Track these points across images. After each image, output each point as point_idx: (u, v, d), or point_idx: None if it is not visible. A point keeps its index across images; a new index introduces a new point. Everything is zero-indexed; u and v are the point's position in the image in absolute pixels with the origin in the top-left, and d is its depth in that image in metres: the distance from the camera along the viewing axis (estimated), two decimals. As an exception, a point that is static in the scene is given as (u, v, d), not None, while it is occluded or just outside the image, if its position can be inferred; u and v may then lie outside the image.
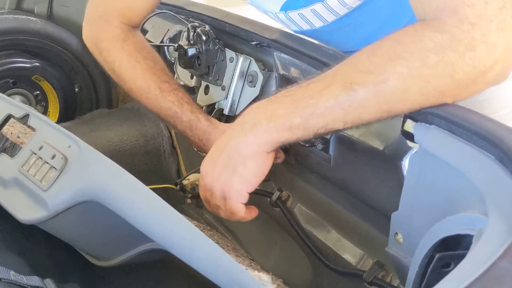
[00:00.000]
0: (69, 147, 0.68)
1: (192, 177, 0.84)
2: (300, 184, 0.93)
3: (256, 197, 1.01)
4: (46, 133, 0.72)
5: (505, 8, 0.57)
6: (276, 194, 0.95)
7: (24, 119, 0.77)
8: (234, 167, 0.68)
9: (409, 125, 0.61)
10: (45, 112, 1.51)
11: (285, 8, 0.86)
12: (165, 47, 1.16)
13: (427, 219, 0.58)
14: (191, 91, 1.06)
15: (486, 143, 0.51)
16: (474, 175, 0.50)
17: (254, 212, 0.76)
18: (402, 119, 0.62)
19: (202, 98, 1.01)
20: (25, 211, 0.67)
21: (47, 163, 0.68)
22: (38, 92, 1.48)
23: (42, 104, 1.50)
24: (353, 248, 0.84)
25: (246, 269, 0.68)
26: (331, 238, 0.88)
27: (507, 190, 0.46)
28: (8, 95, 1.47)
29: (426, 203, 0.59)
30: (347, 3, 0.84)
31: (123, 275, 0.82)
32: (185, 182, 0.86)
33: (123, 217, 0.59)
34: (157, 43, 1.17)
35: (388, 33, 0.61)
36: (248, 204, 1.08)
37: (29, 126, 0.75)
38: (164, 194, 0.92)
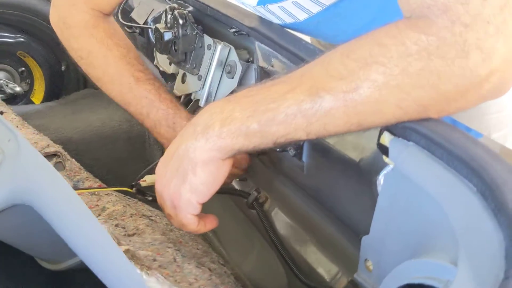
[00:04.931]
0: (8, 141, 0.61)
1: (149, 178, 0.76)
2: (279, 186, 0.85)
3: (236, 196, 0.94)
4: (-13, 123, 0.65)
5: (508, 7, 0.48)
6: (253, 195, 0.88)
7: (-32, 105, 0.70)
8: (184, 175, 0.59)
9: (386, 139, 0.52)
10: (30, 90, 1.45)
11: (262, 1, 0.77)
12: (149, 29, 1.08)
13: (399, 249, 0.50)
14: (170, 78, 0.98)
15: (468, 170, 0.43)
16: (451, 209, 0.42)
17: (210, 224, 0.68)
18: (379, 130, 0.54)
19: (179, 87, 0.93)
20: (-44, 211, 0.60)
21: (-17, 158, 0.61)
22: (23, 69, 1.42)
23: (27, 82, 1.44)
24: (328, 263, 0.76)
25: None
26: (307, 249, 0.81)
27: (483, 236, 0.38)
28: (-9, 71, 1.41)
29: (398, 230, 0.51)
30: None
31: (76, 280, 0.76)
32: (142, 183, 0.78)
33: (50, 224, 0.52)
34: (141, 23, 1.09)
35: (383, 25, 0.52)
36: (225, 202, 1.03)
37: (-27, 114, 0.69)
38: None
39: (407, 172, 0.48)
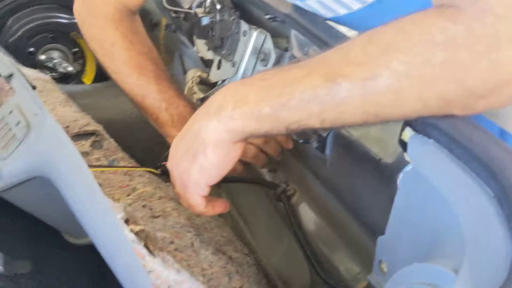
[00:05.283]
0: (35, 115, 0.63)
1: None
2: (307, 180, 0.83)
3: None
4: (20, 96, 0.67)
5: None
6: (281, 187, 0.86)
7: (8, 78, 0.73)
8: (194, 154, 0.58)
9: (407, 135, 0.49)
10: (82, 70, 1.50)
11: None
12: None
13: (411, 252, 0.48)
14: (209, 64, 0.98)
15: (487, 173, 0.39)
16: (463, 213, 0.39)
17: (219, 208, 0.66)
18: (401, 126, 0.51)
19: (214, 74, 0.93)
20: (-16, 179, 0.63)
21: (11, 130, 0.63)
22: (76, 49, 1.47)
23: (79, 62, 1.48)
24: (350, 262, 0.74)
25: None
26: (330, 246, 0.78)
27: (491, 245, 0.34)
28: (46, 50, 1.47)
29: (412, 233, 0.48)
30: None
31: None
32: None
33: (64, 198, 0.53)
34: (186, 8, 1.09)
35: None
36: (256, 193, 1.01)
37: (11, 88, 0.71)
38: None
39: (424, 171, 0.45)
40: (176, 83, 0.92)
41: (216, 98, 0.57)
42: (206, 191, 0.61)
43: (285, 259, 0.93)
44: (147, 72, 0.89)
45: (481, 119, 0.61)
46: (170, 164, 0.63)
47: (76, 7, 0.96)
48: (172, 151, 0.62)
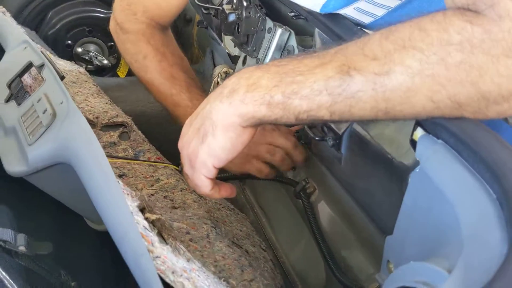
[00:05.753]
0: (61, 103, 0.66)
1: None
2: (325, 178, 0.83)
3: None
4: (49, 86, 0.70)
5: None
6: (301, 184, 0.87)
7: (40, 68, 0.76)
8: (204, 135, 0.58)
9: (417, 135, 0.49)
10: (117, 64, 1.54)
11: (324, 9, 0.75)
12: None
13: (416, 253, 0.47)
14: (235, 60, 0.99)
15: (491, 175, 0.39)
16: (463, 213, 0.39)
17: (225, 192, 0.65)
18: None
19: (239, 70, 0.94)
20: (12, 163, 0.66)
21: (39, 117, 0.66)
22: (112, 43, 1.50)
23: (114, 56, 1.52)
24: (365, 262, 0.73)
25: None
26: (346, 245, 0.78)
27: (488, 247, 0.34)
28: (83, 43, 1.51)
29: (417, 233, 0.48)
30: None
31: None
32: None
33: (84, 185, 0.56)
34: (216, 4, 1.11)
35: None
36: (276, 190, 1.02)
37: (42, 77, 0.74)
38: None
39: (430, 170, 0.45)
40: (205, 90, 0.95)
41: (230, 81, 0.58)
42: (213, 173, 0.61)
43: (303, 256, 0.94)
44: (179, 82, 0.94)
45: (502, 125, 0.60)
46: (180, 143, 0.63)
47: (111, 24, 1.02)
48: (184, 130, 0.63)
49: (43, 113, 0.66)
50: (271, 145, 0.86)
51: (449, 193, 0.41)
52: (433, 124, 0.47)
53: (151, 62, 0.95)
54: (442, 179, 0.43)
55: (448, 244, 0.40)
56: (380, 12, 0.74)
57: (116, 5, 1.00)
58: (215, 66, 1.30)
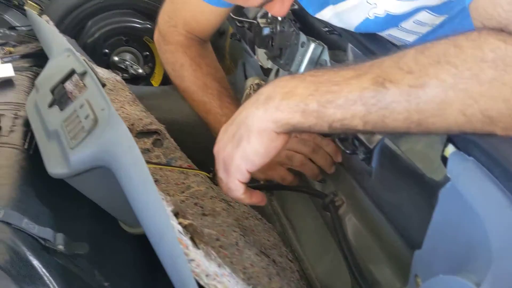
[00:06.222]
0: (102, 110, 0.69)
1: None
2: (354, 191, 0.84)
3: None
4: (91, 92, 0.73)
5: None
6: (330, 197, 0.88)
7: (82, 75, 0.79)
8: (239, 140, 0.61)
9: (449, 151, 0.50)
10: (151, 73, 1.58)
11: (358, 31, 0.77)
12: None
13: (445, 269, 0.48)
14: (267, 73, 1.02)
15: (522, 194, 0.40)
16: (494, 231, 0.40)
17: (256, 198, 0.68)
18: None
19: (272, 81, 0.96)
20: (54, 165, 0.69)
21: (81, 122, 0.69)
22: (147, 53, 1.55)
23: (149, 65, 1.56)
24: (392, 278, 0.74)
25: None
26: (374, 260, 0.79)
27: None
28: (120, 52, 1.56)
29: (447, 249, 0.49)
30: (425, 22, 0.72)
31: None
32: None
33: (122, 188, 0.58)
34: (251, 18, 1.14)
35: None
36: (305, 202, 1.03)
37: (84, 84, 0.78)
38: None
39: (462, 187, 0.46)
40: (237, 99, 0.99)
41: (266, 88, 0.60)
42: (246, 177, 0.63)
43: (329, 269, 0.94)
44: (211, 90, 0.97)
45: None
46: (216, 148, 0.65)
47: (155, 35, 1.08)
48: (220, 136, 0.65)
49: (85, 118, 0.69)
50: (290, 151, 0.88)
51: (479, 210, 0.42)
52: (464, 141, 0.48)
53: (187, 71, 1.00)
54: (473, 196, 0.44)
55: (477, 259, 0.40)
56: (411, 38, 0.76)
57: (160, 18, 1.05)
58: (246, 78, 1.33)
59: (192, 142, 1.25)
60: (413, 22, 0.74)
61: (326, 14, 0.79)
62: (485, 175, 0.44)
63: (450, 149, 0.50)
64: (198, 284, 0.46)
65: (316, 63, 0.84)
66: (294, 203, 1.07)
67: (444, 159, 0.51)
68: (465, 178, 0.46)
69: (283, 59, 0.91)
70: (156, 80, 1.58)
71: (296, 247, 1.02)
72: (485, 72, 0.46)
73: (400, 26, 0.75)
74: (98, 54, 1.51)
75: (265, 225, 0.98)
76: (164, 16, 1.04)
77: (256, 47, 1.04)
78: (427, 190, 0.57)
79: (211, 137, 1.31)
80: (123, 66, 1.55)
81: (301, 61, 0.86)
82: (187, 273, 0.44)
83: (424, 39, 0.75)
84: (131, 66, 1.52)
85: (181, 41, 1.01)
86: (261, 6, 0.66)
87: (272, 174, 0.92)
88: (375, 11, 0.73)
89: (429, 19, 0.74)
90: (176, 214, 0.63)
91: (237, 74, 1.50)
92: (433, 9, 0.72)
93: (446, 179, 0.53)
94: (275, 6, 0.67)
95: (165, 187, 0.94)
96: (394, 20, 0.73)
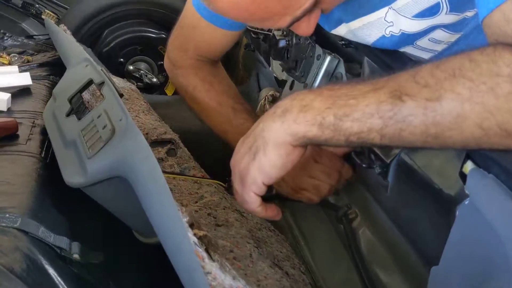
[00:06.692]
0: (120, 120, 0.69)
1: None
2: (368, 205, 0.84)
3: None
4: (109, 102, 0.74)
5: None
6: (343, 210, 0.88)
7: (100, 85, 0.80)
8: (255, 152, 0.61)
9: (467, 168, 0.50)
10: (165, 82, 1.59)
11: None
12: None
13: (463, 286, 0.48)
14: (282, 84, 1.02)
15: (543, 213, 0.39)
16: (514, 249, 0.39)
17: (271, 212, 0.68)
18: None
19: (286, 94, 0.96)
20: (71, 174, 0.70)
21: (98, 132, 0.70)
22: (161, 62, 1.56)
23: (163, 75, 1.57)
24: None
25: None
26: (388, 274, 0.78)
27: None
28: (135, 61, 1.58)
29: (464, 266, 0.48)
30: (441, 40, 0.72)
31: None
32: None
33: (138, 198, 0.58)
34: (266, 30, 1.14)
35: None
36: (318, 215, 1.02)
37: (101, 94, 0.78)
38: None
39: (480, 205, 0.45)
40: (253, 113, 0.98)
41: (284, 102, 0.60)
42: (262, 189, 0.63)
43: (342, 283, 0.94)
44: (226, 109, 0.96)
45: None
46: (233, 160, 0.65)
47: (165, 61, 1.07)
48: (237, 148, 0.65)
49: (103, 128, 0.69)
50: (315, 180, 0.87)
51: (499, 228, 0.42)
52: (483, 158, 0.48)
53: (200, 93, 1.00)
54: (492, 213, 0.44)
55: (496, 278, 0.40)
56: (426, 56, 0.76)
57: (169, 43, 1.05)
58: (260, 88, 1.34)
59: (206, 151, 1.25)
60: (429, 40, 0.75)
61: (342, 31, 0.80)
62: (505, 193, 0.44)
63: (469, 165, 0.50)
64: (215, 297, 0.46)
65: (331, 76, 0.85)
66: (307, 214, 1.07)
67: (463, 176, 0.51)
68: (485, 196, 0.45)
69: (298, 71, 0.91)
70: (170, 89, 1.59)
71: (308, 259, 1.02)
72: (500, 86, 0.46)
73: (416, 44, 0.75)
74: (114, 63, 1.52)
75: (278, 236, 0.98)
76: (173, 42, 1.04)
77: (271, 58, 1.05)
78: (445, 206, 0.57)
79: (224, 147, 1.32)
80: (137, 75, 1.56)
81: (317, 74, 0.86)
82: (204, 286, 0.44)
83: (440, 56, 0.75)
84: (146, 75, 1.54)
85: (192, 64, 1.01)
86: (288, 27, 0.66)
87: (300, 197, 0.92)
88: (391, 29, 0.73)
89: (445, 37, 0.74)
90: (191, 225, 0.64)
91: (251, 84, 1.50)
92: (449, 27, 0.73)
93: (464, 196, 0.53)
94: (302, 26, 0.67)
95: (178, 196, 0.94)
96: (409, 38, 0.74)
